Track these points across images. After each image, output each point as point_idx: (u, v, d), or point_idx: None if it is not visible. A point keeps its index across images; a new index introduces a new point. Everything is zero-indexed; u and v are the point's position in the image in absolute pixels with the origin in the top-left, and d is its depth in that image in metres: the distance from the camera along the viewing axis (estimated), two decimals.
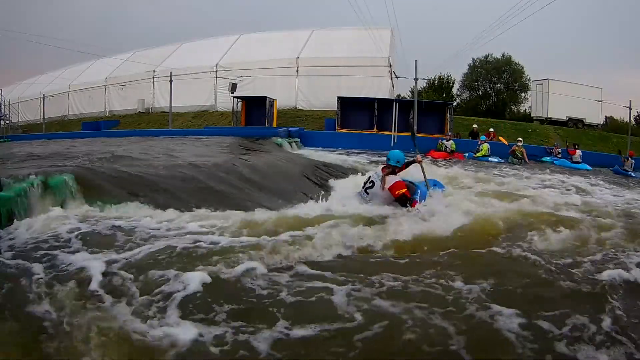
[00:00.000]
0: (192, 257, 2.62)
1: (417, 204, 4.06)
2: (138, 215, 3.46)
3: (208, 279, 2.30)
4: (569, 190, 7.60)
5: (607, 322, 2.07)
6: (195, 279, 2.27)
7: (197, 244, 2.81)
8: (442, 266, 2.69)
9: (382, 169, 4.29)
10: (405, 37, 45.82)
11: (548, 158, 13.66)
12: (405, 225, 3.40)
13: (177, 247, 2.73)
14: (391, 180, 4.09)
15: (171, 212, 3.59)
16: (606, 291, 2.41)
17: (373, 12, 34.49)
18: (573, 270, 2.71)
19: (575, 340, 1.92)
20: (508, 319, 2.05)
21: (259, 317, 2.02)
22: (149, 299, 2.10)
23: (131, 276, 2.30)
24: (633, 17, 48.83)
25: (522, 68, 27.59)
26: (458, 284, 2.43)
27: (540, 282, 2.53)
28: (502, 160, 12.64)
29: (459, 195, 5.11)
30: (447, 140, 13.46)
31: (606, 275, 2.61)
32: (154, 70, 21.02)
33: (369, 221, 3.57)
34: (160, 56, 22.13)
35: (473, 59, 28.57)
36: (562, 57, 48.06)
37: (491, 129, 15.72)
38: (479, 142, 13.47)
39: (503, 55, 27.52)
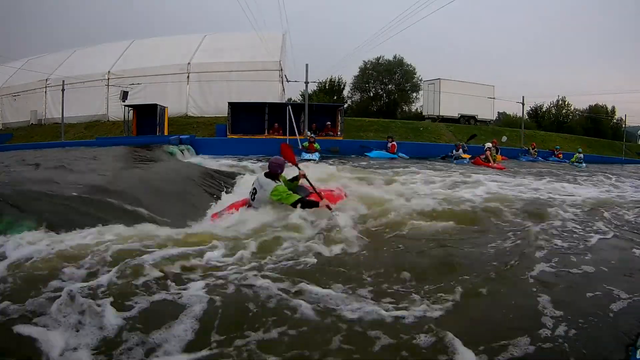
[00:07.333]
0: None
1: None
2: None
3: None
4: None
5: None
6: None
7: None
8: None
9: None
10: (296, 41, 47.85)
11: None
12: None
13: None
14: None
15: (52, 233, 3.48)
16: None
17: (265, 16, 34.77)
18: None
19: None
20: None
21: None
22: None
23: None
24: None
25: (414, 69, 28.39)
26: None
27: None
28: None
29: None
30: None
31: None
32: (46, 79, 20.02)
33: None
34: (54, 64, 21.02)
35: (364, 61, 28.75)
36: (458, 57, 51.65)
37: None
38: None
39: (395, 57, 28.15)
